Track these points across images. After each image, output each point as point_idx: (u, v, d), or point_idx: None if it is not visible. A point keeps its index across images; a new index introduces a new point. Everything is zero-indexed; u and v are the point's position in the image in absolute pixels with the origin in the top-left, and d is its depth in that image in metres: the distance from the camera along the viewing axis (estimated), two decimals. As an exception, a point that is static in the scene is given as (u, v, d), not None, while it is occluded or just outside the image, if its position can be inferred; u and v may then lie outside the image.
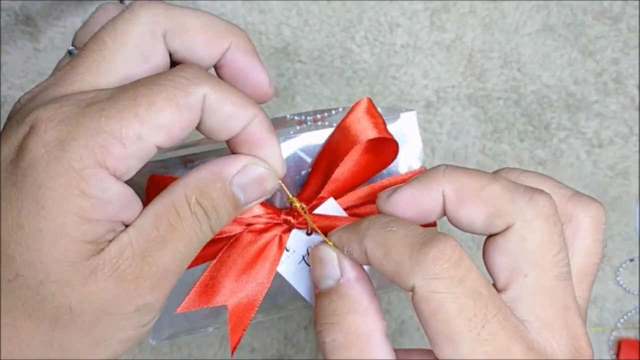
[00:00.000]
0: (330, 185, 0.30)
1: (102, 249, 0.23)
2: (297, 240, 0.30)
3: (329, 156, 0.30)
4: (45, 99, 0.24)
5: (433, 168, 0.26)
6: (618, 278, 0.54)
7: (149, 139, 0.23)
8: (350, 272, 0.26)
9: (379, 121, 0.30)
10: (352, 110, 0.30)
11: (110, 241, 0.23)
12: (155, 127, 0.23)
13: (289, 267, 0.31)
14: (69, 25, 0.55)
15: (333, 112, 0.35)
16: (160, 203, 0.24)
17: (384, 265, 0.24)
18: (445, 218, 0.26)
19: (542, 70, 0.55)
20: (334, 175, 0.30)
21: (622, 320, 0.54)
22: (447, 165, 0.26)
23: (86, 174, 0.22)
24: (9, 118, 0.25)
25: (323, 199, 0.30)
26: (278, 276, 0.30)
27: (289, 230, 0.30)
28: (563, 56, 0.55)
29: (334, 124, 0.31)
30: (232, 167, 0.26)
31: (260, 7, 0.55)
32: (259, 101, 0.27)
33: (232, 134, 0.25)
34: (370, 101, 0.30)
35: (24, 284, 0.22)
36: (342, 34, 0.55)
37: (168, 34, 0.26)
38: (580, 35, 0.56)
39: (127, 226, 0.24)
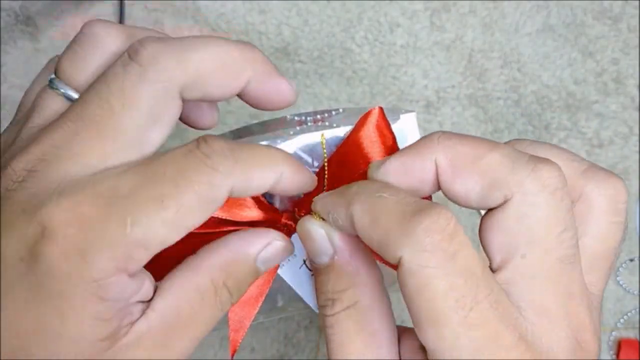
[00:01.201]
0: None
1: (121, 339, 0.22)
2: (297, 244, 0.30)
3: (336, 168, 0.30)
4: (52, 184, 0.22)
5: (427, 135, 0.24)
6: (618, 278, 0.54)
7: (173, 239, 0.22)
8: (344, 247, 0.25)
9: (388, 139, 0.29)
10: (362, 123, 0.29)
11: (130, 328, 0.22)
12: (181, 229, 0.22)
13: (291, 271, 0.30)
14: (69, 25, 0.55)
15: (333, 112, 0.35)
16: (183, 285, 0.23)
17: (371, 234, 0.22)
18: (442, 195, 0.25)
19: (542, 70, 0.55)
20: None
21: (622, 320, 0.54)
22: (442, 132, 0.24)
23: (106, 283, 0.21)
24: (4, 197, 0.22)
25: None
26: (278, 277, 0.30)
27: (289, 234, 0.30)
28: (563, 56, 0.55)
29: (334, 125, 0.31)
30: (258, 246, 0.25)
31: (260, 7, 0.55)
32: (285, 107, 0.27)
33: (261, 193, 0.24)
34: (381, 112, 0.29)
35: None
36: (342, 34, 0.55)
37: (184, 88, 0.23)
38: (580, 35, 0.56)
39: (148, 301, 0.23)
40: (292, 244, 0.26)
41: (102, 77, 0.23)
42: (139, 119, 0.22)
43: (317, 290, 0.25)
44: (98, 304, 0.21)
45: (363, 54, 0.55)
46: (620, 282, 0.54)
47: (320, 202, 0.25)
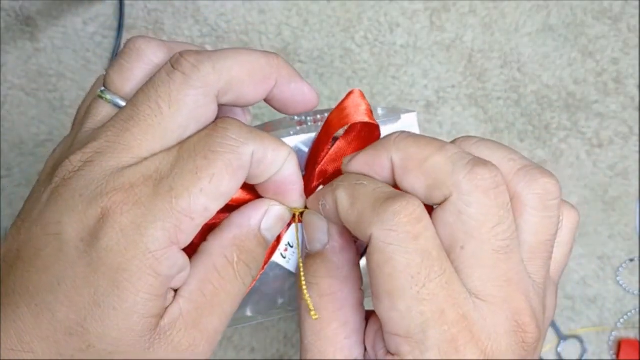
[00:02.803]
0: (319, 178, 0.30)
1: (160, 322, 0.24)
2: (299, 235, 0.31)
3: (319, 147, 0.30)
4: (108, 170, 0.24)
5: (388, 135, 0.27)
6: (618, 278, 0.54)
7: (213, 208, 0.24)
8: (337, 240, 0.27)
9: (367, 107, 0.30)
10: (341, 103, 0.30)
11: (165, 312, 0.25)
12: (218, 196, 0.24)
13: (293, 261, 0.31)
14: (69, 25, 0.55)
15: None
16: (202, 268, 0.26)
17: (349, 215, 0.25)
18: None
19: (542, 70, 0.55)
20: (320, 167, 0.30)
21: (622, 320, 0.54)
22: (400, 133, 0.26)
23: (160, 255, 0.23)
24: (62, 185, 0.25)
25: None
26: (277, 279, 0.30)
27: (288, 224, 0.30)
28: (563, 56, 0.55)
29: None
30: (257, 216, 0.27)
31: (260, 7, 0.55)
32: (309, 110, 0.29)
33: (269, 176, 0.27)
34: (361, 92, 0.30)
35: (95, 354, 0.23)
36: (342, 34, 0.55)
37: (220, 93, 0.26)
38: (580, 35, 0.56)
39: (175, 291, 0.25)
40: (288, 210, 0.28)
41: (150, 83, 0.26)
42: (183, 118, 0.25)
43: (303, 271, 0.28)
44: (153, 279, 0.23)
45: (363, 54, 0.55)
46: (620, 282, 0.54)
47: (313, 195, 0.28)
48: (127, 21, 0.55)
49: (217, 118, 0.29)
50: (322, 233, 0.28)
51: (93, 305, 0.23)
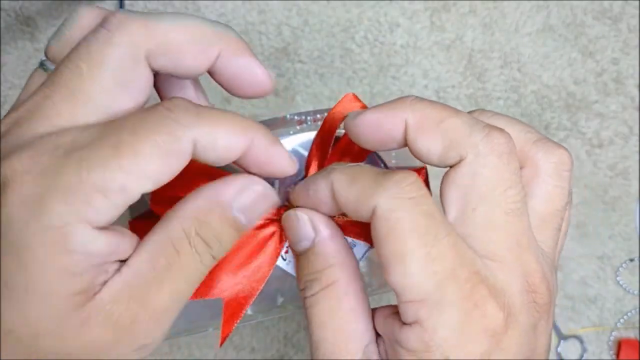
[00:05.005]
0: None
1: (94, 296, 0.22)
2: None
3: (319, 149, 0.30)
4: (19, 140, 0.22)
5: (401, 97, 0.26)
6: (618, 278, 0.54)
7: (134, 189, 0.22)
8: (324, 230, 0.27)
9: (362, 107, 0.30)
10: (336, 104, 0.30)
11: (104, 284, 0.22)
12: (141, 177, 0.22)
13: (294, 264, 0.31)
14: (69, 25, 0.55)
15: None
16: (155, 239, 0.23)
17: (349, 192, 0.24)
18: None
19: (542, 70, 0.55)
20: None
21: (622, 320, 0.54)
22: (415, 96, 0.26)
23: (67, 231, 0.21)
24: None
25: None
26: (278, 278, 0.30)
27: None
28: (563, 56, 0.55)
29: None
30: (229, 191, 0.25)
31: (260, 7, 0.55)
32: (260, 96, 0.27)
33: (232, 159, 0.24)
34: (354, 95, 0.30)
35: (17, 338, 0.22)
36: (342, 34, 0.55)
37: (151, 54, 0.24)
38: (580, 35, 0.56)
39: (123, 261, 0.23)
40: (275, 193, 0.26)
41: (76, 45, 0.24)
42: (105, 81, 0.23)
43: (298, 275, 0.27)
44: (64, 256, 0.21)
45: (363, 54, 0.55)
46: (620, 282, 0.54)
47: (299, 185, 0.27)
48: (127, 21, 0.55)
49: (163, 96, 0.28)
50: (306, 228, 0.27)
51: (4, 288, 0.21)
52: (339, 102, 0.30)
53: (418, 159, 0.26)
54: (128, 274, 0.23)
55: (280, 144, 0.26)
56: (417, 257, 0.23)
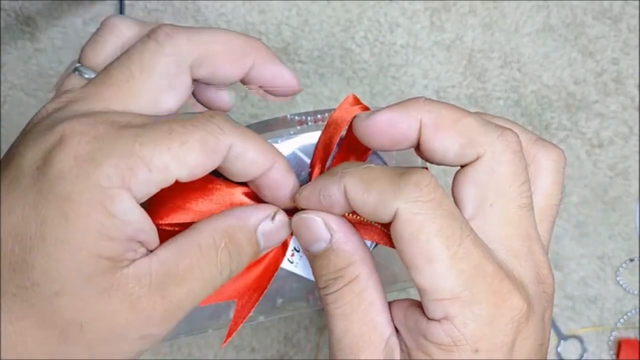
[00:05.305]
0: None
1: (121, 269, 0.23)
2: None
3: (323, 152, 0.30)
4: (77, 112, 0.24)
5: (412, 98, 0.27)
6: (618, 278, 0.54)
7: (173, 171, 0.23)
8: (340, 230, 0.27)
9: (364, 108, 0.30)
10: (338, 106, 0.31)
11: (131, 263, 0.24)
12: (183, 163, 0.24)
13: (301, 266, 0.31)
14: (69, 25, 0.55)
15: (333, 112, 0.35)
16: (185, 240, 0.25)
17: (366, 198, 0.25)
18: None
19: (542, 70, 0.55)
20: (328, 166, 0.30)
21: (622, 320, 0.54)
22: (426, 97, 0.27)
23: (112, 193, 0.22)
24: (35, 124, 0.25)
25: None
26: (277, 278, 0.30)
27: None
28: (563, 56, 0.55)
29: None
30: (258, 215, 0.27)
31: (260, 7, 0.55)
32: (289, 95, 0.30)
33: (252, 176, 0.26)
34: (354, 96, 0.31)
35: (39, 293, 0.22)
36: (342, 34, 0.55)
37: (193, 64, 0.27)
38: (580, 35, 0.56)
39: (150, 251, 0.24)
40: (288, 227, 0.28)
41: (125, 53, 0.26)
42: (154, 83, 0.26)
43: (317, 274, 0.28)
44: (104, 216, 0.22)
45: (363, 54, 0.55)
46: (620, 282, 0.54)
47: (307, 189, 0.27)
48: (127, 21, 0.55)
49: (198, 100, 0.30)
50: (322, 230, 0.27)
51: (39, 237, 0.22)
52: (341, 104, 0.30)
53: (430, 158, 0.27)
54: (155, 262, 0.24)
55: (294, 174, 0.28)
56: (444, 258, 0.24)
